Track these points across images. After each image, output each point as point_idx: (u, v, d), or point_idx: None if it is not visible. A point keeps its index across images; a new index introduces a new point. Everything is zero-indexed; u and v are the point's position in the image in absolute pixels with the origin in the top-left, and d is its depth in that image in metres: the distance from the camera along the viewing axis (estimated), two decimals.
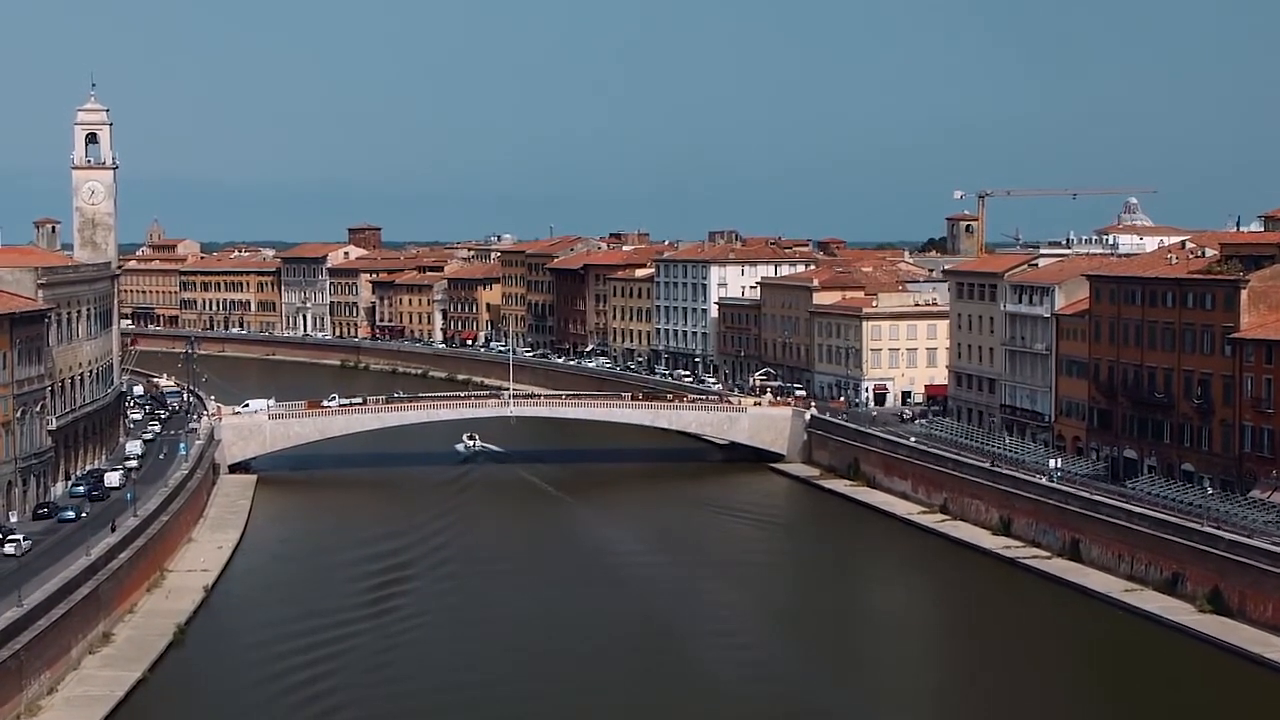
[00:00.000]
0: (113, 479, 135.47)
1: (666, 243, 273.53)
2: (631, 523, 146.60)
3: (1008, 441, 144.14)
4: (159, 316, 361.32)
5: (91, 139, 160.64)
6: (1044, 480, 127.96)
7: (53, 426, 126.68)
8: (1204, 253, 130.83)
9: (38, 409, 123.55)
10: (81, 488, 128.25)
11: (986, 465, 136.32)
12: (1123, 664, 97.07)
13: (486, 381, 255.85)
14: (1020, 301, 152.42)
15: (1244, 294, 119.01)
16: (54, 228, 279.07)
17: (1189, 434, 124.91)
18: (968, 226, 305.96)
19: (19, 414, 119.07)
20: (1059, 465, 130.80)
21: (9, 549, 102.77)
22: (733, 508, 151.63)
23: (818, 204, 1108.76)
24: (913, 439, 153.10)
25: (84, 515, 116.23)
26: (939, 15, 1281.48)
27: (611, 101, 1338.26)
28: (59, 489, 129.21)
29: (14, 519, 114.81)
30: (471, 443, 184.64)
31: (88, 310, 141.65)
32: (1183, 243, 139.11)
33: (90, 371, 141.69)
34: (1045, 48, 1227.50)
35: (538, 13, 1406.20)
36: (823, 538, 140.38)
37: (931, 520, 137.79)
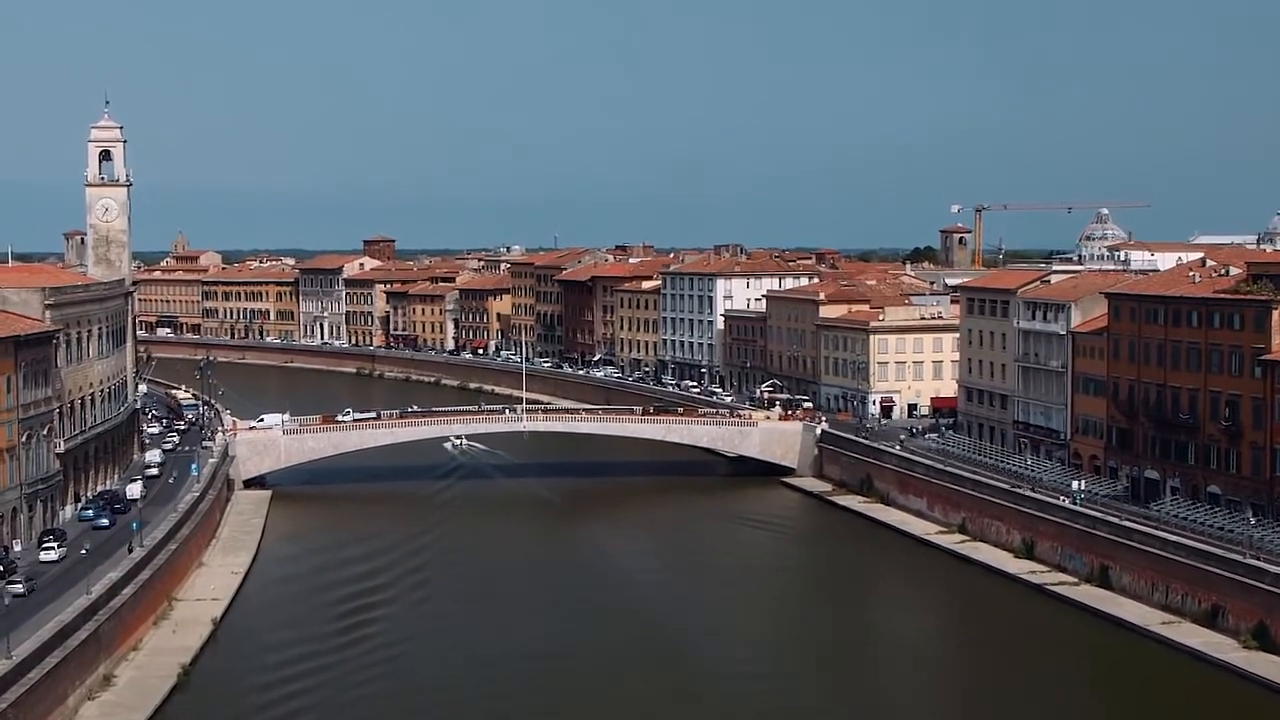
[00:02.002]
0: (133, 490, 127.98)
1: (672, 255, 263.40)
2: (645, 541, 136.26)
3: (1030, 462, 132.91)
4: (182, 325, 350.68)
5: (105, 156, 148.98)
6: (1067, 502, 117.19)
7: (61, 449, 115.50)
8: (1228, 271, 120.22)
9: (44, 432, 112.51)
10: (90, 510, 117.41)
11: (1008, 486, 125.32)
12: (1165, 703, 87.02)
13: (497, 390, 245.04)
14: (1034, 318, 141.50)
15: (1275, 314, 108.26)
16: (83, 239, 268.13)
17: (1216, 456, 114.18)
18: (960, 239, 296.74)
19: (24, 438, 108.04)
20: (1082, 486, 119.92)
21: (45, 555, 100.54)
22: (746, 524, 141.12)
23: (807, 211, 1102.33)
24: (927, 455, 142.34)
25: (115, 525, 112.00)
26: (925, 33, 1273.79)
27: (613, 114, 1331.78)
28: (68, 512, 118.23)
29: (18, 547, 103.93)
30: (460, 441, 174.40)
31: (99, 329, 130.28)
32: (1203, 260, 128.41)
33: (102, 391, 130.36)
34: (1034, 62, 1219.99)
35: (543, 29, 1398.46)
36: (840, 557, 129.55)
37: (950, 541, 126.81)
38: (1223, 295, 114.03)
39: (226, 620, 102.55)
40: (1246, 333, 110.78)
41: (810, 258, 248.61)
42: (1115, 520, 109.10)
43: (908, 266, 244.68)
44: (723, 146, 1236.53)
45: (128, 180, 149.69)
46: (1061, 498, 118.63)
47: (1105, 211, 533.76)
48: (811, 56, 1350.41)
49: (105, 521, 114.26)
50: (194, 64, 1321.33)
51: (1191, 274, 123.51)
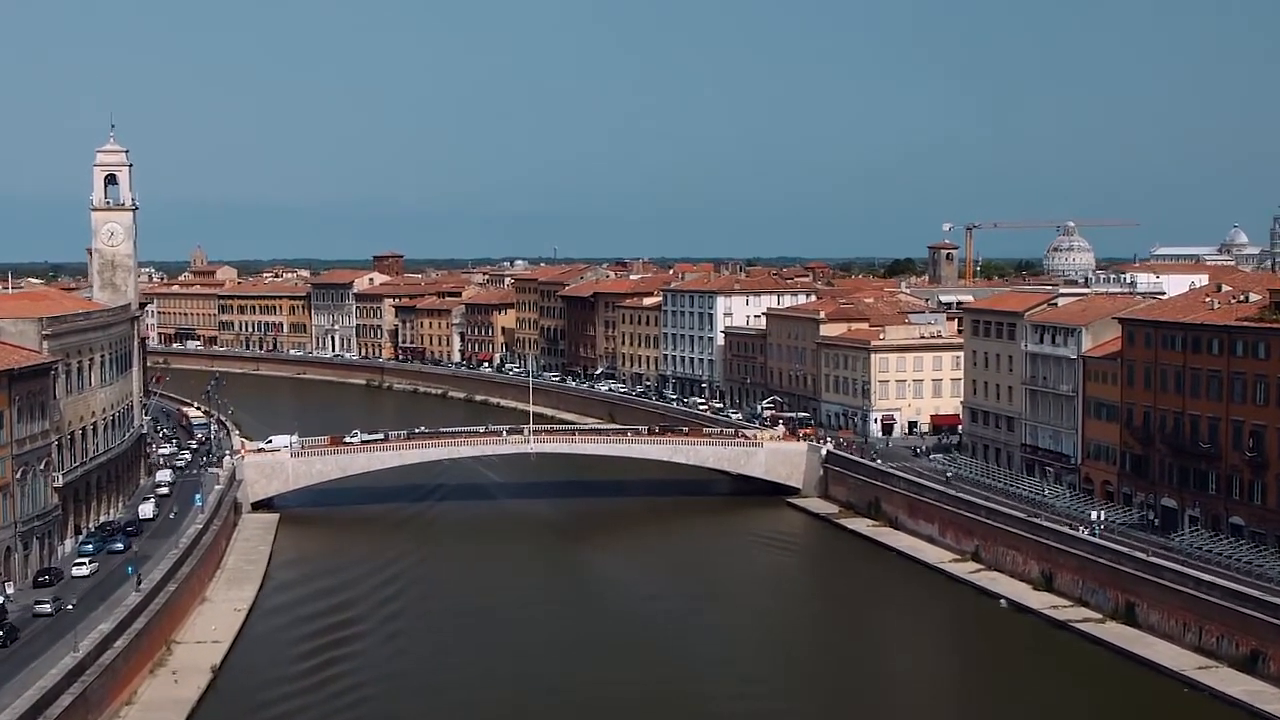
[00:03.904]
0: (145, 510, 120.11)
1: (671, 270, 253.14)
2: (649, 564, 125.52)
3: (1047, 491, 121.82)
4: (200, 337, 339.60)
5: (111, 180, 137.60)
6: (1086, 532, 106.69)
7: (59, 484, 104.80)
8: (1246, 297, 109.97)
9: (41, 467, 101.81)
10: (90, 545, 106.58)
11: (1024, 514, 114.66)
12: None
13: (503, 403, 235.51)
14: (1042, 341, 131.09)
15: None
16: None
17: (1238, 486, 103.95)
18: (948, 254, 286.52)
19: (19, 475, 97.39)
20: (1101, 517, 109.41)
21: (77, 570, 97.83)
22: (754, 548, 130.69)
23: (791, 223, 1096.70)
24: (936, 479, 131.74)
25: (129, 548, 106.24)
26: (908, 57, 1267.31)
27: (610, 132, 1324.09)
28: (68, 546, 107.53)
29: (11, 590, 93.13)
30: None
31: (101, 357, 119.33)
32: (1218, 285, 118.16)
33: (105, 420, 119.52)
34: (1009, 87, 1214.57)
35: (545, 50, 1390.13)
36: (852, 585, 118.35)
37: (964, 570, 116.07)
38: (1247, 323, 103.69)
39: (227, 665, 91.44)
40: (1272, 362, 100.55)
41: (806, 274, 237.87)
42: (1142, 556, 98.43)
43: (902, 284, 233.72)
44: (715, 162, 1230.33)
45: (133, 204, 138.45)
46: (1081, 528, 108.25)
47: (1071, 224, 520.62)
48: (799, 78, 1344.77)
49: (120, 545, 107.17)
50: (217, 83, 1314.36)
51: (1208, 299, 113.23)
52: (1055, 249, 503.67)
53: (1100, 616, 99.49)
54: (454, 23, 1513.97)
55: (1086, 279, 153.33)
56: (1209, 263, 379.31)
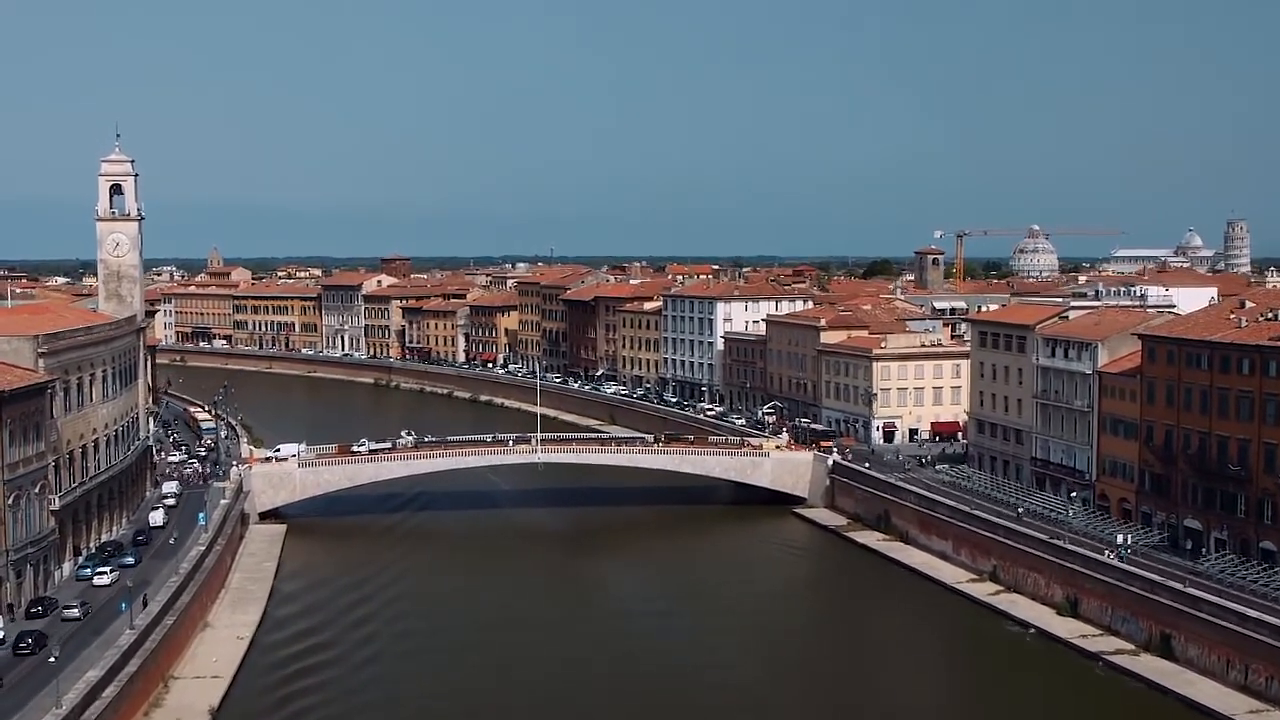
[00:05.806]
0: (156, 518, 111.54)
1: (668, 276, 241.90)
2: (659, 579, 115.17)
3: (1071, 513, 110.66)
4: (219, 336, 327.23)
5: (116, 190, 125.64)
6: (1112, 556, 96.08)
7: (55, 506, 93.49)
8: (1276, 315, 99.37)
9: (36, 490, 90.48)
10: (88, 569, 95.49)
11: (1046, 536, 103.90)
12: None
13: (507, 403, 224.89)
14: (1054, 355, 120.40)
15: None
16: None
17: (1271, 510, 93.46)
18: (934, 259, 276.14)
19: (11, 500, 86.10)
20: (1127, 541, 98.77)
21: (99, 580, 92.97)
22: (762, 563, 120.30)
23: (769, 225, 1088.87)
24: (947, 493, 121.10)
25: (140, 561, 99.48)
26: (882, 75, 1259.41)
27: (603, 140, 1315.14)
28: (66, 569, 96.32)
29: (1, 622, 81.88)
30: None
31: (104, 372, 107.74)
32: (1242, 302, 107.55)
33: (107, 435, 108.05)
34: (977, 102, 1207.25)
35: (542, 61, 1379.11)
36: (865, 605, 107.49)
37: (983, 591, 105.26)
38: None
39: (228, 703, 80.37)
40: None
41: (802, 279, 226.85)
42: (1178, 586, 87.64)
43: (896, 289, 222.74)
44: (702, 167, 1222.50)
45: (139, 214, 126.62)
46: (1106, 550, 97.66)
47: (1037, 228, 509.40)
48: (784, 90, 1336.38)
49: (130, 559, 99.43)
50: (237, 93, 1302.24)
51: (1233, 316, 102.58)
52: (1021, 251, 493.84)
53: (1133, 648, 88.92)
54: (454, 35, 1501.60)
55: (1098, 292, 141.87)
56: (1173, 265, 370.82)
